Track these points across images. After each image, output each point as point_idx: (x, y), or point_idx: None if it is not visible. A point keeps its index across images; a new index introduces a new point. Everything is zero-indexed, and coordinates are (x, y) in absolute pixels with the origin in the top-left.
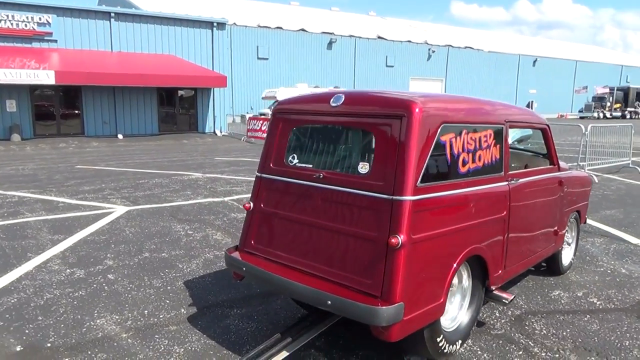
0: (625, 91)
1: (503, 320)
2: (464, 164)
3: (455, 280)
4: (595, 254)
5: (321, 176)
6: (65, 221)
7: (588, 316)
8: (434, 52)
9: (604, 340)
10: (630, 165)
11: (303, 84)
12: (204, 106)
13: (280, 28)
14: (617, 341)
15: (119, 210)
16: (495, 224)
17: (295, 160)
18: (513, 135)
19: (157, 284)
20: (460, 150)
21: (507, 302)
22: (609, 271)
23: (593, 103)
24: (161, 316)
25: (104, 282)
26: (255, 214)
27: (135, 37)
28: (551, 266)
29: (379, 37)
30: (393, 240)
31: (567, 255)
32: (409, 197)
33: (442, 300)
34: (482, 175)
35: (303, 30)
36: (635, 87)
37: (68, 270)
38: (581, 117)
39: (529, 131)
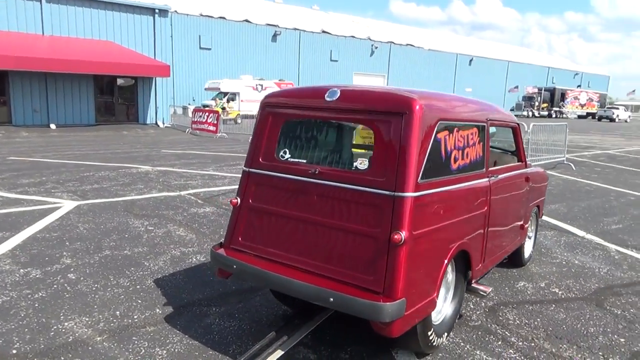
0: (552, 91)
1: (478, 312)
2: (455, 160)
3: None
4: (548, 246)
5: (317, 172)
6: (7, 217)
7: (554, 306)
8: (376, 48)
9: (572, 328)
10: (565, 162)
11: (248, 76)
12: (145, 96)
13: (224, 18)
14: (583, 329)
15: (67, 205)
16: (478, 219)
17: (287, 155)
18: None
19: (124, 283)
20: (453, 147)
21: (485, 294)
22: (564, 262)
23: (523, 102)
24: (135, 317)
25: (65, 283)
26: (243, 210)
27: (69, 21)
28: (514, 259)
29: (324, 32)
30: (396, 236)
31: (528, 248)
32: (410, 194)
33: (435, 294)
34: (469, 171)
35: (247, 21)
36: (560, 87)
37: (22, 270)
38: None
39: (493, 129)
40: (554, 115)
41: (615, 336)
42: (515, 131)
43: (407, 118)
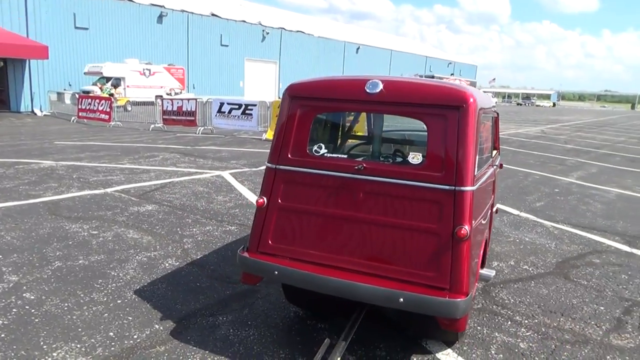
0: (431, 79)
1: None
2: (482, 152)
3: None
4: (496, 225)
5: (362, 167)
6: None
7: (533, 282)
8: (268, 33)
9: (559, 302)
10: None
11: (133, 60)
12: (18, 81)
13: None
14: (567, 301)
15: None
16: (487, 207)
17: (323, 150)
18: None
19: (100, 298)
20: (482, 138)
21: (489, 279)
22: (517, 240)
23: None
24: (135, 336)
25: (25, 305)
26: (272, 211)
27: None
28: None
29: (213, 15)
30: (462, 231)
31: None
32: (470, 187)
33: (476, 284)
34: (487, 161)
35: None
36: (438, 75)
37: None
38: None
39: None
40: None
41: (595, 305)
42: (495, 120)
43: (464, 111)
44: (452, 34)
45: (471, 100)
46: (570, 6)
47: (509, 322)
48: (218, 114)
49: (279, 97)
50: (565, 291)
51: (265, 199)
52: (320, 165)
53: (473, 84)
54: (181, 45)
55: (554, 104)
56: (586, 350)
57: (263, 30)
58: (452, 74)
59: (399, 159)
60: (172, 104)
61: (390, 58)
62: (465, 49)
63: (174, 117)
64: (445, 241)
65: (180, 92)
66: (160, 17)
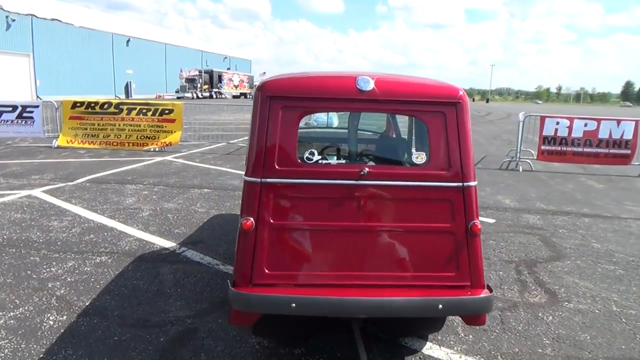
0: (210, 74)
1: None
2: None
3: None
4: None
5: (365, 172)
6: None
7: None
8: (14, 20)
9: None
10: None
11: None
12: None
13: None
14: None
15: None
16: None
17: (317, 157)
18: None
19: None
20: None
21: None
22: None
23: (187, 84)
24: None
25: None
26: (263, 233)
27: None
28: None
29: None
30: (478, 226)
31: None
32: (475, 182)
33: None
34: None
35: None
36: (218, 70)
37: None
38: (178, 98)
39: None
40: (214, 97)
41: (494, 272)
42: None
43: (460, 107)
44: (218, 28)
45: (463, 94)
46: (321, 7)
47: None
48: None
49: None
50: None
51: (252, 219)
52: (317, 174)
53: (251, 79)
54: None
55: None
56: (522, 313)
57: (7, 17)
58: (228, 68)
59: (402, 159)
60: None
61: (165, 52)
62: (233, 43)
63: None
64: (461, 238)
65: None
66: None
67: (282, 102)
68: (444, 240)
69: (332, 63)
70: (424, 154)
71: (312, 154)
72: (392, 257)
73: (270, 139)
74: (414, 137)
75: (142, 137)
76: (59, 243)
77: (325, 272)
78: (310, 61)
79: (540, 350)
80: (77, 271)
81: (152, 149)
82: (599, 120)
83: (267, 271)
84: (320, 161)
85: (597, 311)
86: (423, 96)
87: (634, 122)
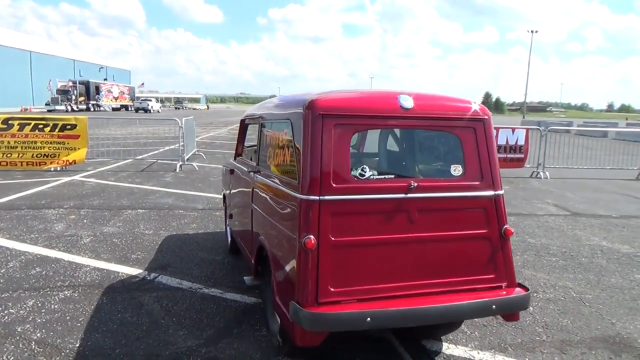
0: (87, 85)
1: None
2: None
3: None
4: None
5: (415, 185)
6: None
7: None
8: None
9: None
10: (197, 152)
11: None
12: None
13: None
14: None
15: None
16: None
17: (369, 173)
18: None
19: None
20: None
21: None
22: None
23: (59, 96)
24: None
25: None
26: (324, 251)
27: None
28: None
29: None
30: (511, 230)
31: None
32: (502, 191)
33: None
34: None
35: None
36: (95, 81)
37: None
38: (49, 111)
39: None
40: (92, 109)
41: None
42: None
43: (487, 122)
44: (87, 36)
45: (488, 111)
46: (200, 16)
47: None
48: None
49: None
50: None
51: (313, 237)
52: (370, 189)
53: (132, 90)
54: None
55: (208, 107)
56: None
57: None
58: (105, 79)
59: (443, 172)
60: None
61: (30, 60)
62: (105, 52)
63: None
64: (496, 242)
65: None
66: None
67: (335, 120)
68: (482, 245)
69: (215, 74)
70: (460, 166)
71: (365, 170)
72: (442, 264)
73: (325, 157)
74: (422, 151)
75: (40, 156)
76: (1, 281)
77: (386, 284)
78: (191, 71)
79: (538, 338)
80: (43, 310)
81: (52, 169)
82: (497, 129)
83: (332, 289)
84: (373, 177)
85: (562, 299)
86: (456, 113)
87: (524, 130)
